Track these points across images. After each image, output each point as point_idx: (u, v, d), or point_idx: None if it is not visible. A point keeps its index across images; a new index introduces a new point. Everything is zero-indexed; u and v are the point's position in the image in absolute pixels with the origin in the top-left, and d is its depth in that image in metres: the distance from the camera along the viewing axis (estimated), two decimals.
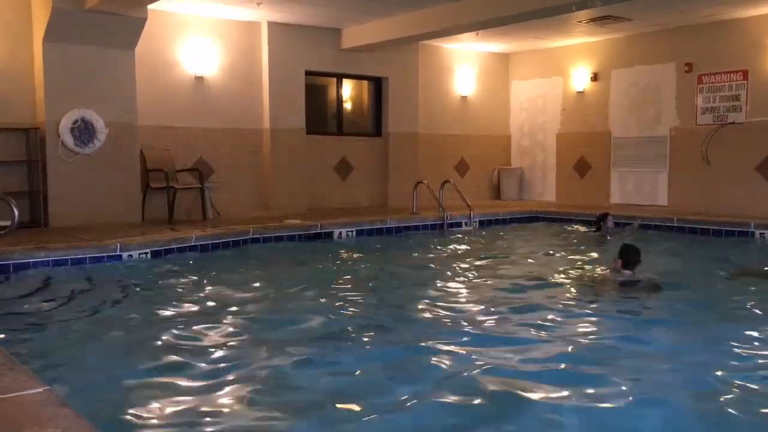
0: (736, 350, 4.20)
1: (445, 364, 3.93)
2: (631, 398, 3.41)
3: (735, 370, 3.83)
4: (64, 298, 5.60)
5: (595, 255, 8.03)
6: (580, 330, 4.73)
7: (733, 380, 3.65)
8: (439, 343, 4.33)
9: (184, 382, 3.64)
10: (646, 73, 11.83)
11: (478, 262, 7.55)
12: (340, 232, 9.08)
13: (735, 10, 10.09)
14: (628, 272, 5.94)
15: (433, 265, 7.41)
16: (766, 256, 8.25)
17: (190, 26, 10.04)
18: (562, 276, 6.73)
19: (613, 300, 5.68)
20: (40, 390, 2.40)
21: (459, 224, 10.26)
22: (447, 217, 10.08)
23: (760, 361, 4.06)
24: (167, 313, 5.18)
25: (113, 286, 6.06)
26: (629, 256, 5.96)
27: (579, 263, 7.49)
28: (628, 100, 12.15)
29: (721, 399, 3.41)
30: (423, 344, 4.33)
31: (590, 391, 3.48)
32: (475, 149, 13.70)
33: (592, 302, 5.57)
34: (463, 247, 8.87)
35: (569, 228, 10.48)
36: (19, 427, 2.09)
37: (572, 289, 6.11)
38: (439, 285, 6.32)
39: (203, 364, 3.92)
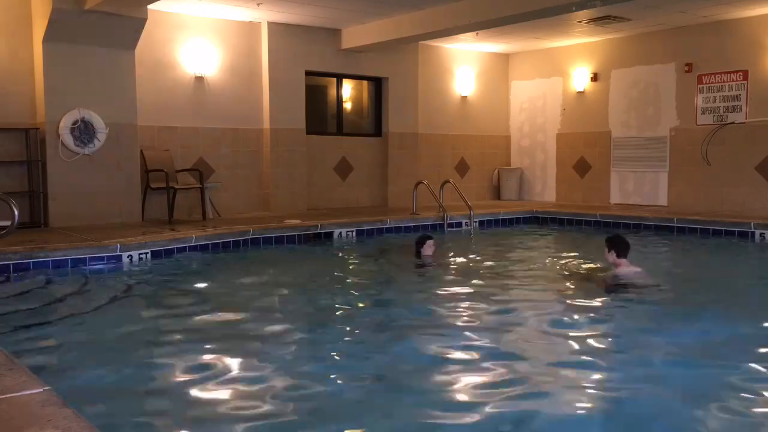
0: (738, 352, 4.20)
1: (446, 364, 3.93)
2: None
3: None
4: (64, 298, 5.60)
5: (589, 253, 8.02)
6: (588, 327, 4.74)
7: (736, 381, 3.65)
8: (439, 341, 4.33)
9: (183, 382, 3.64)
10: (646, 73, 11.83)
11: (476, 262, 7.54)
12: (340, 232, 9.08)
13: (735, 10, 10.09)
14: (624, 261, 5.97)
15: (432, 266, 7.40)
16: (766, 256, 8.25)
17: (190, 26, 10.04)
18: (561, 274, 6.73)
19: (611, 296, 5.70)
20: (40, 390, 2.40)
21: (459, 224, 10.25)
22: (447, 217, 10.08)
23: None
24: (167, 313, 5.19)
25: (113, 287, 6.05)
26: (619, 245, 6.00)
27: (576, 262, 7.49)
28: (628, 100, 12.14)
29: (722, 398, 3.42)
30: (423, 344, 4.32)
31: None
32: (475, 149, 13.70)
33: (597, 297, 5.58)
34: (463, 246, 8.84)
35: (567, 228, 10.48)
36: (19, 427, 2.09)
37: (571, 286, 6.11)
38: (438, 284, 6.32)
39: (203, 364, 3.92)
